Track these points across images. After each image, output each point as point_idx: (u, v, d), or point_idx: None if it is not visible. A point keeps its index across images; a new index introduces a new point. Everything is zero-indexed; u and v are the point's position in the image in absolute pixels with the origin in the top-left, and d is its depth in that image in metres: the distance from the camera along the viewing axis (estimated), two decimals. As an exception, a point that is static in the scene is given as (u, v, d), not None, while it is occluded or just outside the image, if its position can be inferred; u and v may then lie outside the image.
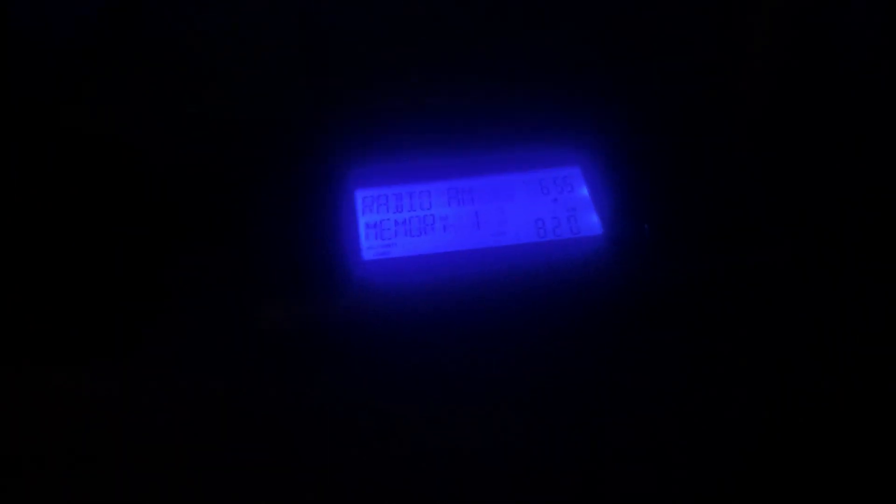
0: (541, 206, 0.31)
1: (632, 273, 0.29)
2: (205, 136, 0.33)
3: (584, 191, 0.31)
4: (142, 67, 0.36)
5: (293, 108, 0.33)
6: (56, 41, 0.36)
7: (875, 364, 0.28)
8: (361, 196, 0.30)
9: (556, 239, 0.30)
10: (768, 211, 0.31)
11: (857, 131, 0.34)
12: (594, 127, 0.32)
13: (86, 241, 0.30)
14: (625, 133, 0.33)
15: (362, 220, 0.30)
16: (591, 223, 0.30)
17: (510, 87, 0.32)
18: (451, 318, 0.28)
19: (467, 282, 0.28)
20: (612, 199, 0.30)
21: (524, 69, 0.34)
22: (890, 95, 0.34)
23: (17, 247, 0.30)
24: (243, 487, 0.26)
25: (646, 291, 0.29)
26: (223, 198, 0.31)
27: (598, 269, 0.29)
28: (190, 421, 0.27)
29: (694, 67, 0.33)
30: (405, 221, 0.30)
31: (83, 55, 0.35)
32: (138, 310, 0.30)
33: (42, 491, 0.26)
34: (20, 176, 0.31)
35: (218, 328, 0.28)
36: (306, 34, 0.34)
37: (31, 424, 0.27)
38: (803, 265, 0.30)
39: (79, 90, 0.35)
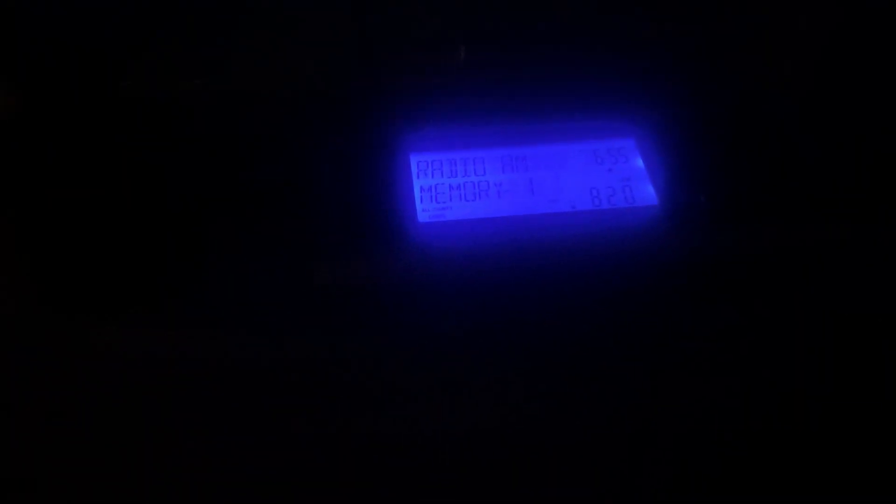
0: (595, 176, 0.30)
1: (688, 244, 0.29)
2: (267, 100, 0.34)
3: (639, 161, 0.31)
4: (200, 35, 0.36)
5: (352, 74, 0.33)
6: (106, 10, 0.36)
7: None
8: (416, 160, 0.30)
9: (611, 208, 0.29)
10: (827, 184, 0.30)
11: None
12: (648, 99, 0.32)
13: (144, 197, 0.30)
14: (679, 104, 0.32)
15: (417, 184, 0.30)
16: (647, 193, 0.30)
17: (566, 57, 0.32)
18: (504, 282, 0.27)
19: (521, 247, 0.28)
20: (666, 171, 0.30)
21: (580, 40, 0.34)
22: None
23: (71, 204, 0.30)
24: (289, 445, 0.26)
25: (702, 263, 0.29)
26: (284, 160, 0.31)
27: (653, 239, 0.29)
28: (239, 378, 0.27)
29: (749, 37, 0.32)
30: (459, 186, 0.30)
31: (137, 22, 0.36)
32: (196, 265, 0.30)
33: (81, 446, 0.26)
34: (77, 138, 0.32)
35: (274, 284, 0.28)
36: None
37: (83, 379, 0.28)
38: (863, 241, 0.30)
39: (136, 57, 0.35)
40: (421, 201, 0.29)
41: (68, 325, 0.29)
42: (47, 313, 0.29)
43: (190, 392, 0.27)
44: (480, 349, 0.27)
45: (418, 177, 0.30)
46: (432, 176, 0.30)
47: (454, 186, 0.30)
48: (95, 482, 0.25)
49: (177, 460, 0.26)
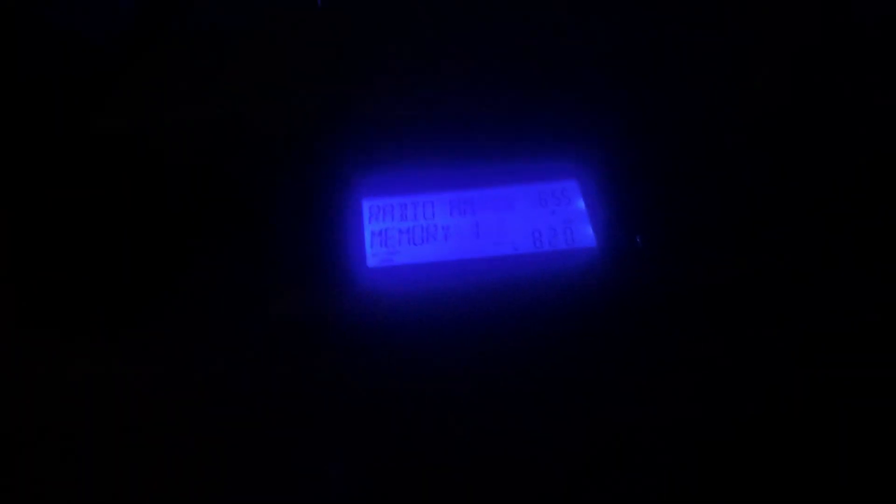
0: (539, 218, 0.32)
1: (624, 284, 0.31)
2: (218, 139, 0.35)
3: (581, 203, 0.32)
4: (161, 69, 0.37)
5: (305, 119, 0.34)
6: (81, 42, 0.37)
7: (873, 373, 0.29)
8: (368, 205, 0.32)
9: (551, 250, 0.31)
10: (761, 223, 0.32)
11: (851, 143, 0.35)
12: (592, 141, 0.34)
13: (103, 235, 0.31)
14: (621, 147, 0.34)
15: (368, 228, 0.31)
16: (586, 235, 0.32)
17: (512, 102, 0.34)
18: (450, 325, 0.29)
19: (466, 290, 0.30)
20: (606, 212, 0.32)
21: (525, 85, 0.35)
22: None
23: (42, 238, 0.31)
24: (240, 480, 0.27)
25: (638, 303, 0.30)
26: (233, 202, 0.32)
27: (591, 280, 0.30)
28: (191, 410, 0.28)
29: (690, 81, 0.34)
30: (409, 230, 0.31)
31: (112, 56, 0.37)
32: (147, 300, 0.31)
33: (41, 471, 0.27)
34: (51, 168, 0.33)
35: (222, 330, 0.30)
36: (315, 46, 0.35)
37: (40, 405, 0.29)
38: (796, 275, 0.31)
39: (106, 90, 0.36)
40: (371, 246, 0.31)
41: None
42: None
43: (141, 422, 0.28)
44: (427, 393, 0.29)
45: (370, 221, 0.31)
46: (383, 220, 0.32)
47: (403, 230, 0.31)
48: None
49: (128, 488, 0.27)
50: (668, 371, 0.30)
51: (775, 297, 0.31)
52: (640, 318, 0.31)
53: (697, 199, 0.33)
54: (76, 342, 0.30)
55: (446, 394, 0.28)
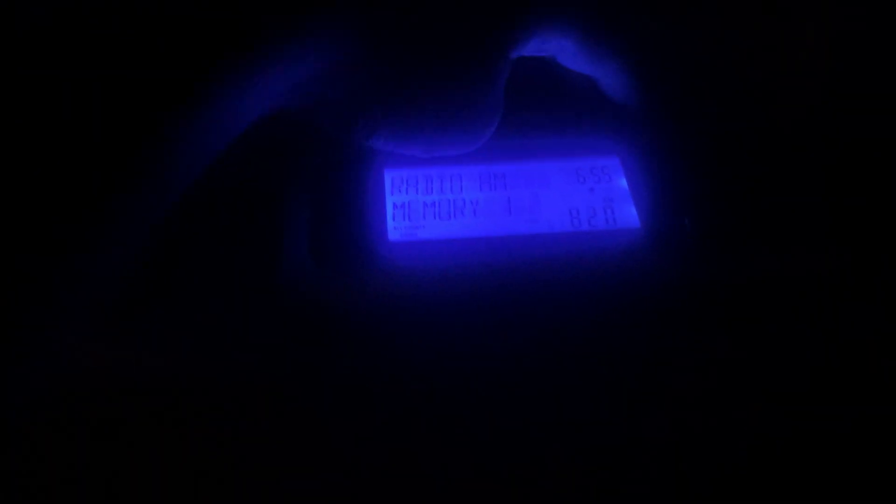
0: (576, 195, 0.29)
1: (669, 269, 0.28)
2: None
3: (623, 182, 0.30)
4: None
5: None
6: None
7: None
8: (390, 176, 0.29)
9: (591, 229, 0.28)
10: (818, 210, 0.29)
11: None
12: (635, 116, 0.31)
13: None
14: (667, 123, 0.31)
15: (390, 200, 0.29)
16: (629, 215, 0.29)
17: (550, 71, 0.31)
18: (477, 304, 0.26)
19: (496, 268, 0.27)
20: (651, 192, 0.29)
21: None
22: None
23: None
24: (258, 464, 0.25)
25: (683, 289, 0.28)
26: (254, 171, 0.30)
27: (633, 263, 0.28)
28: (205, 395, 0.26)
29: (742, 54, 0.31)
30: (434, 204, 0.29)
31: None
32: (161, 281, 0.29)
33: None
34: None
35: (238, 306, 0.27)
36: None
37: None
38: (855, 269, 0.28)
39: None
40: (393, 219, 0.28)
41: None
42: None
43: (154, 409, 0.26)
44: (451, 374, 0.26)
45: (392, 193, 0.29)
46: (406, 192, 0.29)
47: (428, 204, 0.29)
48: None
49: (142, 478, 0.25)
50: (713, 366, 0.27)
51: (834, 292, 0.28)
52: (685, 308, 0.28)
53: (753, 181, 0.30)
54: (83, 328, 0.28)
55: (470, 376, 0.26)
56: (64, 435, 0.26)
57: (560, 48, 0.29)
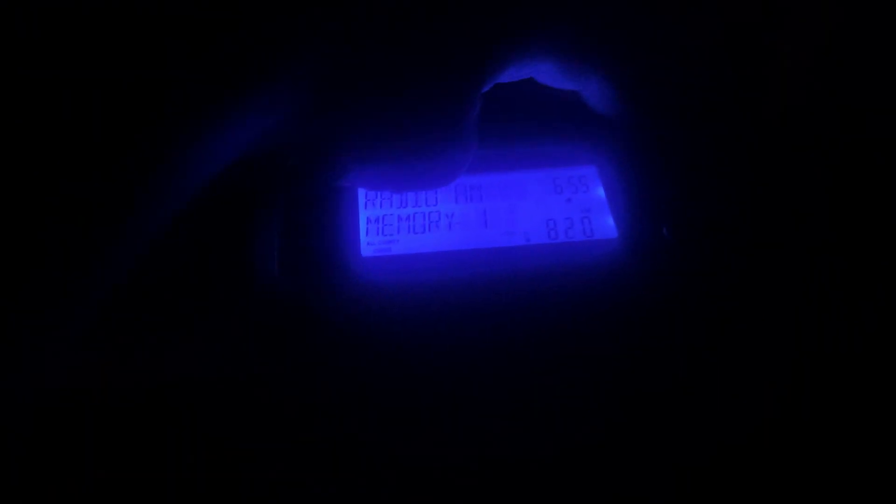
0: (553, 207, 0.29)
1: (648, 278, 0.27)
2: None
3: (600, 191, 0.29)
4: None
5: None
6: None
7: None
8: (364, 190, 0.29)
9: (568, 241, 0.28)
10: (797, 218, 0.29)
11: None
12: (612, 124, 0.30)
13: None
14: (644, 132, 0.31)
15: (363, 215, 0.28)
16: (606, 226, 0.28)
17: (524, 81, 0.31)
18: (454, 319, 0.26)
19: (473, 282, 0.26)
20: (629, 201, 0.29)
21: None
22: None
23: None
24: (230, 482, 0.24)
25: (662, 298, 0.27)
26: (218, 183, 0.29)
27: (612, 274, 0.27)
28: (176, 404, 0.26)
29: (719, 61, 0.31)
30: (409, 217, 0.28)
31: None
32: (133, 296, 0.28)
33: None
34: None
35: (207, 321, 0.27)
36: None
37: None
38: (831, 273, 0.28)
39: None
40: (367, 234, 0.28)
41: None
42: None
43: (128, 420, 0.26)
44: (428, 390, 0.26)
45: (365, 207, 0.28)
46: (380, 206, 0.28)
47: (402, 218, 0.28)
48: None
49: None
50: (693, 373, 0.27)
51: (814, 297, 0.28)
52: (664, 317, 0.27)
53: (731, 189, 0.29)
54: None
55: (447, 391, 0.25)
56: (48, 448, 0.25)
57: (537, 72, 0.28)
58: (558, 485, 0.25)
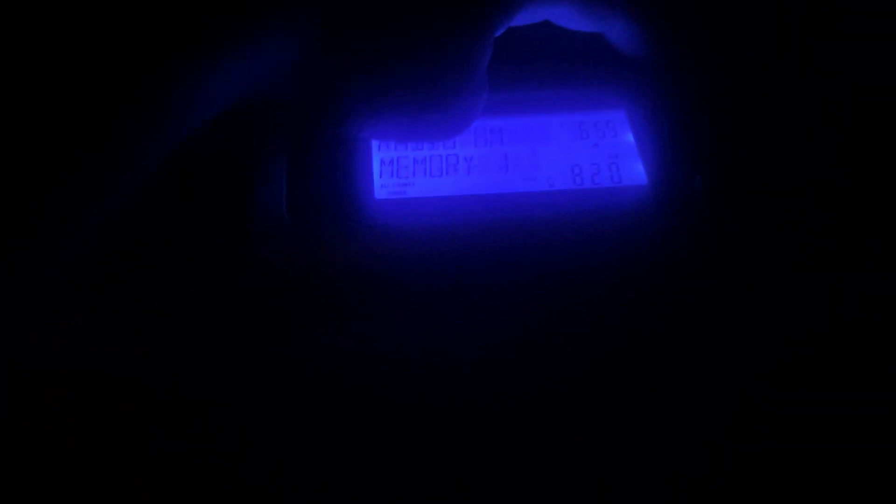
0: (579, 152, 0.27)
1: (678, 228, 0.26)
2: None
3: (629, 137, 0.28)
4: None
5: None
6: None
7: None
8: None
9: (594, 187, 0.26)
10: (831, 167, 0.27)
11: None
12: (642, 69, 0.29)
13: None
14: (675, 76, 0.29)
15: (377, 157, 0.27)
16: (636, 172, 0.27)
17: (550, 22, 0.29)
18: (471, 266, 0.24)
19: (492, 227, 0.25)
20: (659, 148, 0.27)
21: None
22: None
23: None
24: (244, 438, 0.24)
25: (693, 249, 0.26)
26: (237, 127, 0.28)
27: (640, 222, 0.26)
28: (192, 369, 0.25)
29: (753, 13, 0.29)
30: (424, 160, 0.27)
31: None
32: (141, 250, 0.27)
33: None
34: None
35: (222, 268, 0.25)
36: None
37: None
38: (866, 226, 0.26)
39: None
40: (380, 176, 0.26)
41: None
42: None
43: (139, 382, 0.25)
44: (442, 340, 0.24)
45: (379, 149, 0.27)
46: (395, 148, 0.27)
47: (418, 160, 0.27)
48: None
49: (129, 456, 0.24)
50: (721, 326, 0.25)
51: (847, 257, 0.26)
52: (693, 270, 0.26)
53: (768, 139, 0.27)
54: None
55: (463, 343, 0.24)
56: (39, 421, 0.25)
57: (552, 14, 0.26)
58: (579, 445, 0.24)
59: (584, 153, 0.27)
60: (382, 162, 0.26)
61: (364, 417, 0.24)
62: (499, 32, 0.24)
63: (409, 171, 0.26)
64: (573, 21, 0.26)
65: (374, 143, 0.27)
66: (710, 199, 0.26)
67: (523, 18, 0.25)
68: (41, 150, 0.17)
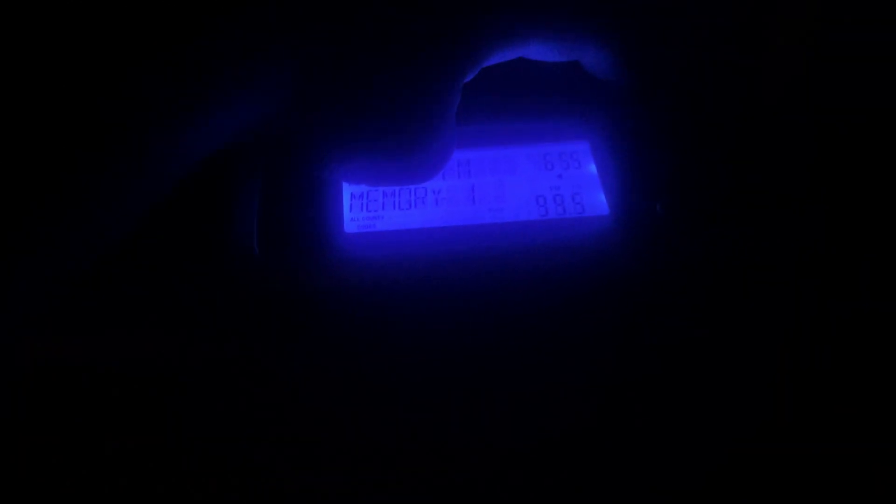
0: (543, 182, 0.28)
1: (640, 256, 0.26)
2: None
3: (592, 167, 0.28)
4: None
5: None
6: None
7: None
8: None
9: (558, 217, 0.27)
10: (790, 194, 0.28)
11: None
12: (605, 100, 0.30)
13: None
14: (637, 108, 0.30)
15: (347, 191, 0.27)
16: (598, 202, 0.28)
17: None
18: (440, 296, 0.25)
19: (460, 259, 0.26)
20: (621, 177, 0.28)
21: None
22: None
23: None
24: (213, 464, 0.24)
25: (654, 276, 0.26)
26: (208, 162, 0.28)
27: (603, 251, 0.26)
28: (154, 385, 0.25)
29: (713, 38, 0.30)
30: (394, 193, 0.27)
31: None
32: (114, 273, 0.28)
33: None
34: None
35: (192, 294, 0.26)
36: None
37: None
38: (821, 249, 0.27)
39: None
40: (350, 210, 0.27)
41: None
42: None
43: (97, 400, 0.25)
44: (413, 368, 0.25)
45: (349, 183, 0.27)
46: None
47: (388, 193, 0.27)
48: None
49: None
50: (684, 353, 0.26)
51: (807, 274, 0.27)
52: (656, 294, 0.27)
53: (727, 166, 0.28)
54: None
55: (433, 369, 0.24)
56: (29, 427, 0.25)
57: (526, 52, 0.27)
58: (544, 464, 0.25)
59: (549, 184, 0.28)
60: (353, 196, 0.27)
61: (333, 445, 0.24)
62: (468, 79, 0.25)
63: (379, 204, 0.27)
64: (547, 54, 0.27)
65: (345, 177, 0.28)
66: (671, 225, 0.27)
67: (496, 59, 0.26)
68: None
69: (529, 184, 0.28)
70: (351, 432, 0.25)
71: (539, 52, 0.27)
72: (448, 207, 0.27)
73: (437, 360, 0.24)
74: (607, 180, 0.28)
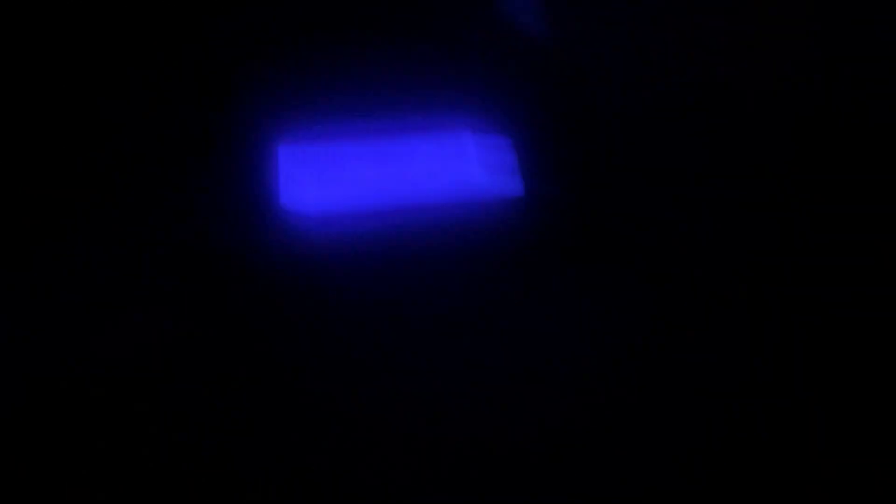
0: (458, 167, 0.31)
1: (547, 236, 0.29)
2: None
3: (504, 151, 0.31)
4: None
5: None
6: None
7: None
8: (283, 151, 0.31)
9: (471, 199, 0.30)
10: (693, 170, 0.31)
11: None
12: (525, 94, 0.32)
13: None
14: (548, 94, 0.33)
15: (282, 174, 0.30)
16: (508, 184, 0.31)
17: (436, 45, 0.32)
18: (363, 276, 0.28)
19: (382, 240, 0.29)
20: (531, 161, 0.31)
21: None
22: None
23: None
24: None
25: (561, 256, 0.29)
26: (147, 149, 0.31)
27: (513, 232, 0.29)
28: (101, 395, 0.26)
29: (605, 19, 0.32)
30: (324, 177, 0.30)
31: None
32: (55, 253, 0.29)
33: None
34: None
35: (130, 285, 0.28)
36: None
37: None
38: (737, 231, 0.30)
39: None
40: (284, 193, 0.30)
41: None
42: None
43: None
44: (339, 346, 0.27)
45: (283, 166, 0.30)
46: (298, 165, 0.30)
47: (315, 178, 0.30)
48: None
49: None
50: (597, 332, 0.27)
51: (716, 251, 0.29)
52: (563, 274, 0.29)
53: (630, 146, 0.31)
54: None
55: (358, 353, 0.27)
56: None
57: None
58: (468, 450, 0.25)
59: (463, 168, 0.31)
60: (286, 179, 0.30)
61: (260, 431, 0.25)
62: None
63: (310, 187, 0.30)
64: None
65: (281, 162, 0.30)
66: (576, 207, 0.30)
67: None
68: None
69: (447, 168, 0.31)
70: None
71: None
72: (373, 190, 0.30)
73: (351, 346, 0.27)
74: (519, 163, 0.31)
